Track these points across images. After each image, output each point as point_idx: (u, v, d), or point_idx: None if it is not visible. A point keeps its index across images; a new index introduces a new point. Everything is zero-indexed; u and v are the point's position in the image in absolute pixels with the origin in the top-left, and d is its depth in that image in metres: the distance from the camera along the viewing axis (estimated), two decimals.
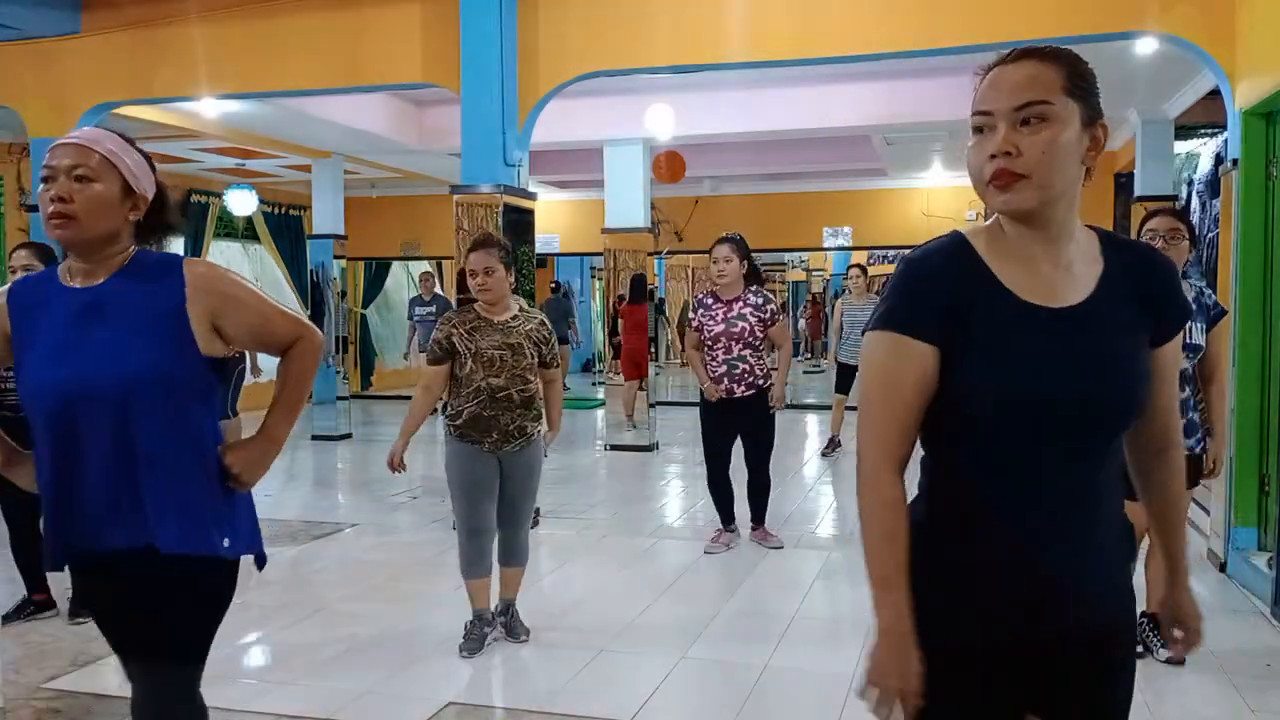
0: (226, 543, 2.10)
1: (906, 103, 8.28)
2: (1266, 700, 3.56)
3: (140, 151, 2.17)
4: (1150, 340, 1.55)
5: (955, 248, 1.53)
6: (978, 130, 1.48)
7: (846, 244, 12.59)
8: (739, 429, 5.57)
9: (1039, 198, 1.44)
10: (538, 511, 6.43)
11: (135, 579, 2.06)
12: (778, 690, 3.71)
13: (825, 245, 12.71)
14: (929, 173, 11.77)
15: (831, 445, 9.00)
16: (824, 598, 4.91)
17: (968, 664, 1.52)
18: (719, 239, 5.58)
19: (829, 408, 9.79)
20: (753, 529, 5.78)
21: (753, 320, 5.39)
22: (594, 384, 15.99)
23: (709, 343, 5.44)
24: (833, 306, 18.87)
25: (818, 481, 7.94)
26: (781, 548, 5.67)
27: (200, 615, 2.18)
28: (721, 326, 5.40)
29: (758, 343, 5.43)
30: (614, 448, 9.45)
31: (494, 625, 4.21)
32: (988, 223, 1.54)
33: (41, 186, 2.01)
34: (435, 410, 4.97)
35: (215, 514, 2.09)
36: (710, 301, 5.50)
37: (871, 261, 16.85)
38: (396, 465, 4.02)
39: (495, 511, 4.08)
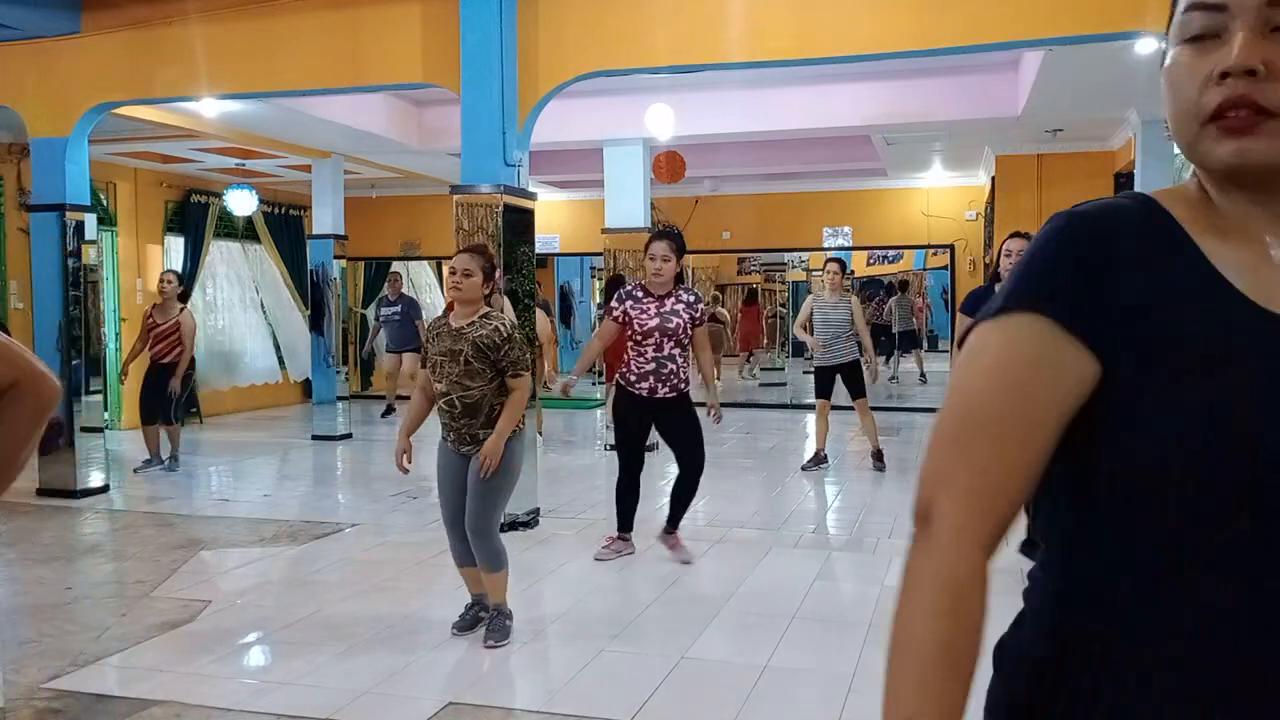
0: None
1: (906, 103, 8.28)
2: None
3: None
4: None
5: (1132, 207, 0.97)
6: (1193, 39, 0.92)
7: (846, 244, 12.58)
8: (659, 431, 5.42)
9: None
10: (537, 511, 6.43)
11: None
12: (778, 690, 3.71)
13: (825, 245, 12.68)
14: (929, 173, 11.77)
15: (816, 460, 8.25)
16: (824, 598, 4.91)
17: None
18: (658, 233, 5.41)
19: (832, 408, 9.74)
20: (665, 531, 5.51)
21: (686, 318, 5.23)
22: (593, 384, 15.99)
23: (639, 337, 5.24)
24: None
25: (818, 481, 7.94)
26: (690, 563, 5.36)
27: None
28: (656, 321, 5.21)
29: (687, 341, 5.27)
30: (614, 448, 9.43)
31: (489, 611, 4.33)
32: (1183, 182, 1.01)
33: None
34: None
35: None
36: (641, 295, 5.30)
37: (871, 262, 16.89)
38: (399, 463, 4.26)
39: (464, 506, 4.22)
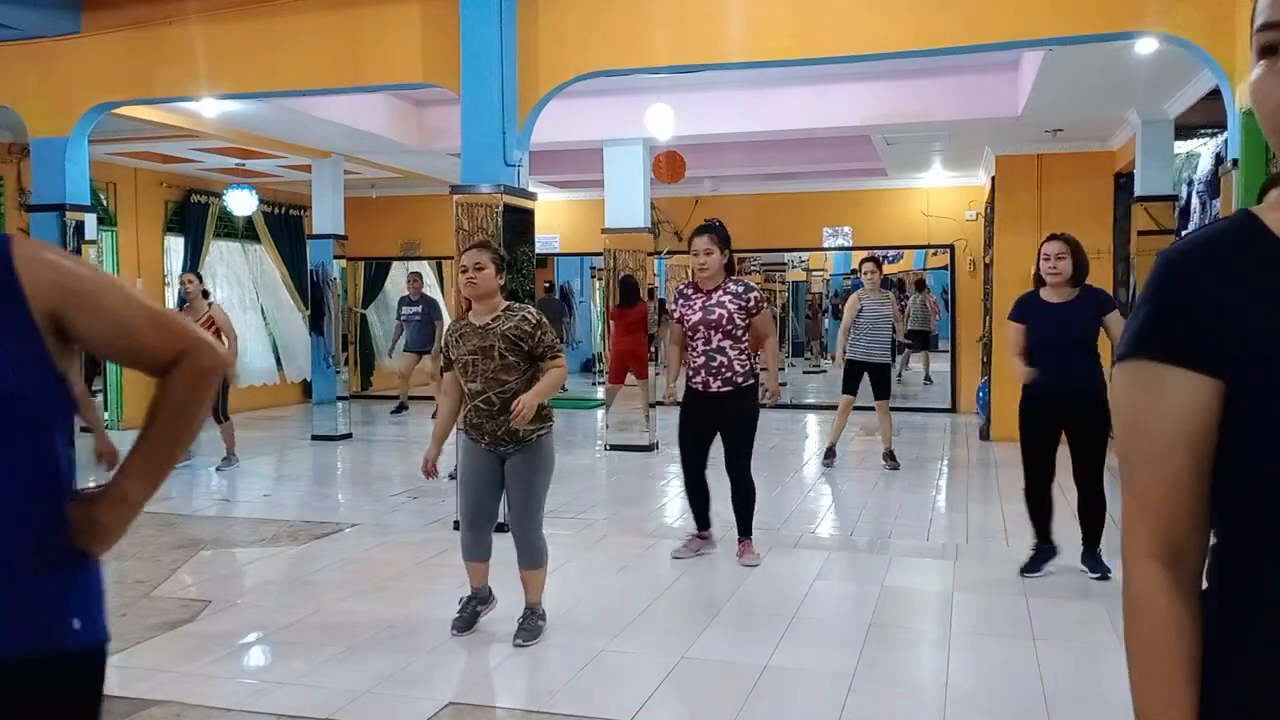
0: (77, 624, 1.46)
1: (906, 103, 8.28)
2: None
3: None
4: None
5: (1237, 231, 1.04)
6: (1269, 50, 0.98)
7: (846, 244, 12.58)
8: (715, 427, 5.35)
9: None
10: None
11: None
12: (778, 690, 3.71)
13: (825, 245, 12.69)
14: (929, 173, 11.76)
15: (830, 455, 8.37)
16: (824, 598, 4.91)
17: None
18: (698, 228, 5.39)
19: (832, 407, 9.74)
20: (737, 541, 5.49)
21: (732, 308, 5.19)
22: (594, 384, 15.99)
23: (689, 333, 5.29)
24: (829, 306, 18.93)
25: (818, 481, 7.94)
26: (757, 566, 5.33)
27: None
28: (699, 315, 5.23)
29: (739, 333, 5.21)
30: (614, 448, 9.44)
31: (488, 604, 4.37)
32: None
33: None
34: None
35: (60, 590, 1.46)
36: (690, 292, 5.36)
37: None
38: (429, 471, 4.18)
39: (493, 504, 4.22)
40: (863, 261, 8.49)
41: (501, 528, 4.42)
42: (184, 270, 10.47)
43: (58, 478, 1.49)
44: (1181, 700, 1.02)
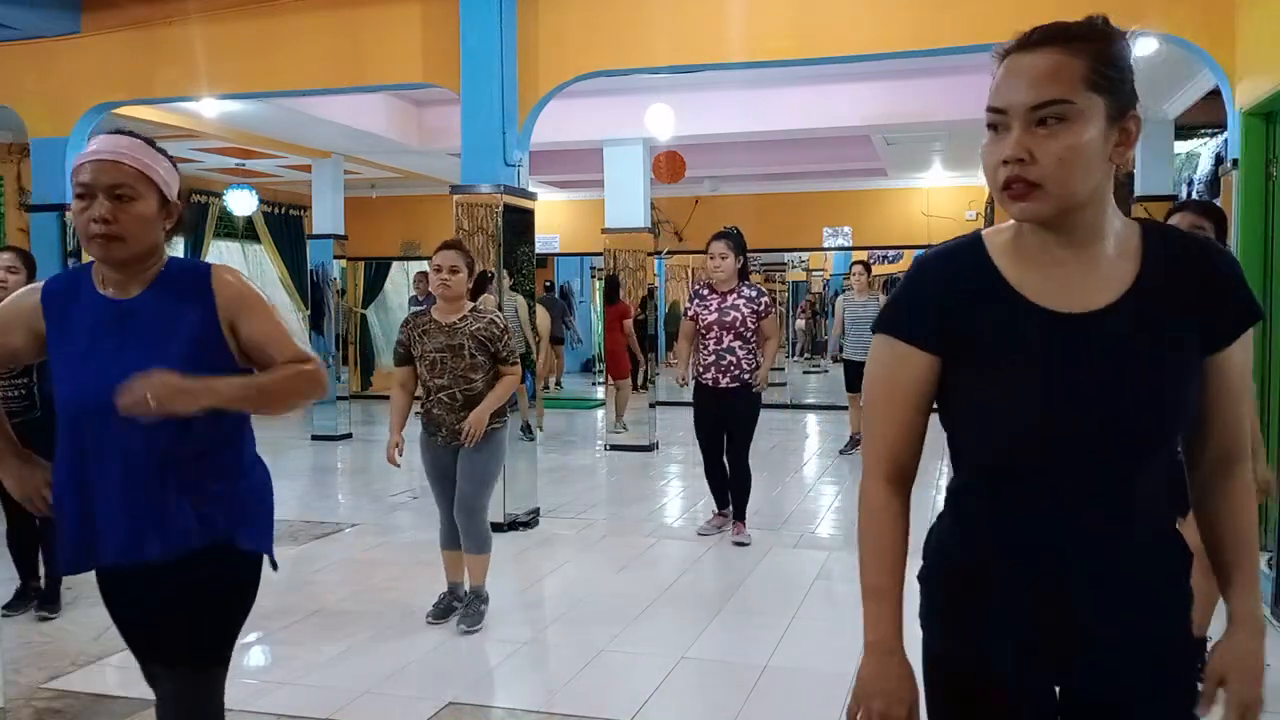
0: (243, 536, 2.11)
1: (906, 103, 8.28)
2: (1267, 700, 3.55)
3: (164, 154, 2.07)
4: (1203, 345, 1.37)
5: (963, 246, 1.43)
6: (991, 127, 1.32)
7: (846, 244, 12.59)
8: (723, 420, 5.70)
9: (1058, 206, 1.30)
10: (537, 511, 6.44)
11: (163, 584, 2.05)
12: (778, 690, 3.71)
13: (825, 245, 12.71)
14: (929, 173, 11.77)
15: (852, 443, 8.83)
16: (824, 598, 4.91)
17: (979, 697, 1.45)
18: (716, 234, 5.72)
19: (830, 407, 9.72)
20: (733, 523, 5.88)
21: (746, 311, 5.55)
22: (594, 384, 15.99)
23: (702, 331, 5.62)
24: (831, 305, 18.95)
25: (818, 481, 7.94)
26: (747, 545, 5.69)
27: (224, 613, 2.16)
28: (715, 315, 5.57)
29: (749, 334, 5.57)
30: (614, 448, 9.44)
31: (462, 601, 4.45)
32: (1014, 220, 1.39)
33: (76, 203, 1.98)
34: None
35: (234, 509, 2.10)
36: (706, 292, 5.69)
37: (873, 260, 16.87)
38: (391, 458, 4.32)
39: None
40: (853, 264, 8.90)
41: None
42: None
43: (224, 440, 2.10)
44: (892, 572, 1.43)
